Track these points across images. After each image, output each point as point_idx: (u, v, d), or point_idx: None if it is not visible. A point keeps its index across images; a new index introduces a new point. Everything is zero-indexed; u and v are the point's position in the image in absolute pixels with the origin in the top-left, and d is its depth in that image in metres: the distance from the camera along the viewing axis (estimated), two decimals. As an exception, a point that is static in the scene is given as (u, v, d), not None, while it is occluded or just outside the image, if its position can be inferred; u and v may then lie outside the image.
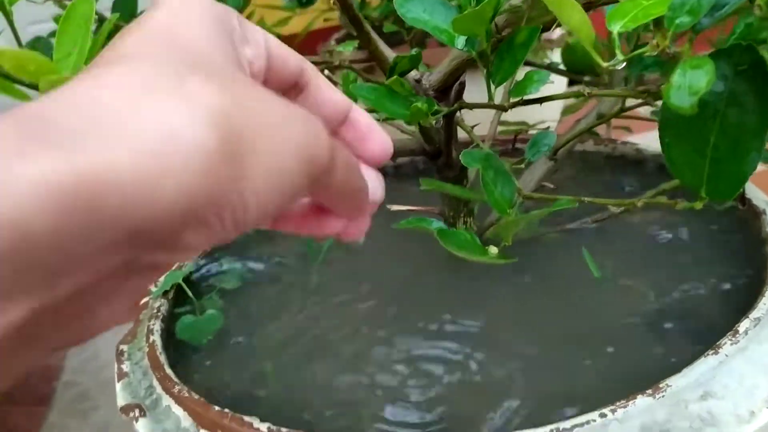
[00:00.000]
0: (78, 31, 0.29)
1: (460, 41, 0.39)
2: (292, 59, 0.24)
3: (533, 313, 0.49)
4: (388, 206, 0.56)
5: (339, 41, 1.40)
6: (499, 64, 0.39)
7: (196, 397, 0.43)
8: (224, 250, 0.62)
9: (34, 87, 0.29)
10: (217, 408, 0.41)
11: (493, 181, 0.37)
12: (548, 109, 0.60)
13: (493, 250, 0.38)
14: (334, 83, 0.51)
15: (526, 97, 0.39)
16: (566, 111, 0.91)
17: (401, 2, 0.38)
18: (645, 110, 0.64)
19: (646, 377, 0.37)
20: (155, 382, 0.46)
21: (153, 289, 0.59)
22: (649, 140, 0.61)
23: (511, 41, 0.38)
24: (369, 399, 0.44)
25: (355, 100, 0.30)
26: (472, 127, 0.51)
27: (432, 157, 0.52)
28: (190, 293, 0.56)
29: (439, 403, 0.43)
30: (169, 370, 0.46)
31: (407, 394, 0.44)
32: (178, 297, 0.56)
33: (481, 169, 0.38)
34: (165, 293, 0.55)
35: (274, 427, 0.39)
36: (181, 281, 0.56)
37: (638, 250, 0.55)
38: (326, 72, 0.55)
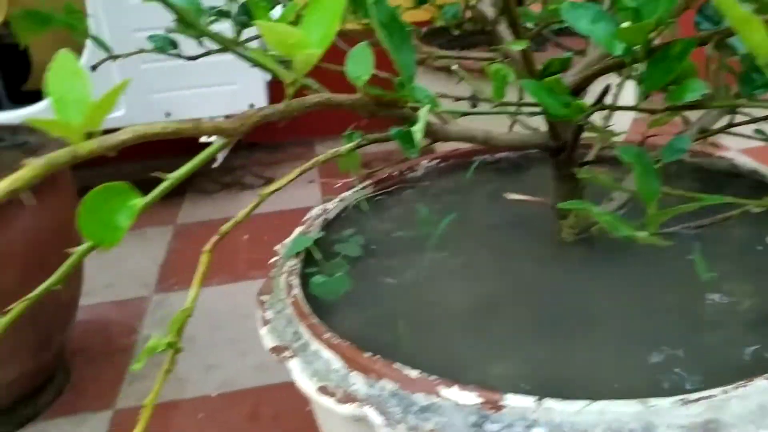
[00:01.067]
0: (327, 9, 0.34)
1: (619, 48, 0.44)
2: None
3: (635, 305, 0.54)
4: (505, 194, 0.61)
5: (427, 36, 1.45)
6: (651, 72, 0.44)
7: (347, 343, 0.48)
8: (344, 223, 0.68)
9: (285, 61, 0.34)
10: (366, 354, 0.47)
11: (642, 176, 0.42)
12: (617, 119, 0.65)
13: (643, 233, 0.42)
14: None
15: (679, 103, 0.43)
16: (654, 123, 0.95)
17: (570, 12, 0.43)
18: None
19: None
20: (302, 329, 0.52)
21: (280, 249, 0.65)
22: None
23: (666, 52, 0.43)
24: (489, 358, 0.49)
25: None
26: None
27: (554, 153, 0.57)
28: (318, 256, 0.61)
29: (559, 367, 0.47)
30: (316, 319, 0.51)
31: (533, 357, 0.48)
32: (306, 259, 0.62)
33: (634, 165, 0.42)
34: (297, 254, 0.61)
35: (424, 374, 0.44)
36: (313, 244, 0.62)
37: (738, 256, 0.59)
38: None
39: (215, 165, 1.74)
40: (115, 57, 0.74)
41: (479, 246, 0.63)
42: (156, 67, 1.60)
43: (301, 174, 0.47)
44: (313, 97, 0.39)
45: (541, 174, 0.75)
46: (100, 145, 0.27)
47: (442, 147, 0.75)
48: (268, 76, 1.68)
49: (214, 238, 0.46)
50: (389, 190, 0.74)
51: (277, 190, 0.46)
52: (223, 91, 1.66)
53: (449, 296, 0.56)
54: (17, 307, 0.34)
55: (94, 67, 0.74)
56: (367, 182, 0.73)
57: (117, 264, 1.50)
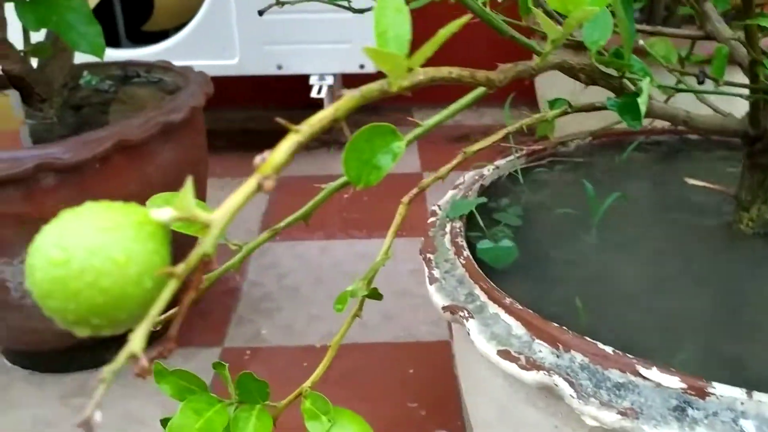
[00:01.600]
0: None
1: None
2: None
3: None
4: (685, 179, 0.59)
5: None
6: None
7: (530, 311, 0.48)
8: (500, 191, 0.67)
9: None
10: (556, 324, 0.46)
11: None
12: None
13: None
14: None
15: None
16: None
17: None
18: None
19: None
20: (478, 291, 0.52)
21: (437, 209, 0.65)
22: None
23: None
24: (671, 343, 0.48)
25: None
26: None
27: (751, 141, 0.54)
28: (481, 222, 0.61)
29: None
30: (492, 284, 0.51)
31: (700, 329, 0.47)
32: (468, 223, 0.61)
33: None
34: (460, 217, 0.61)
35: (619, 352, 0.43)
36: (474, 209, 0.61)
37: None
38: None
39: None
40: (282, 3, 0.74)
41: (647, 227, 0.61)
42: (273, 19, 1.61)
43: (505, 136, 0.46)
44: (555, 58, 0.38)
45: (699, 159, 0.72)
46: (410, 82, 0.27)
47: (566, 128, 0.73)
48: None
49: (414, 191, 0.47)
50: (541, 163, 0.73)
51: (480, 149, 0.46)
52: (335, 49, 1.66)
53: (621, 275, 0.55)
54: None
55: (261, 12, 0.75)
56: (520, 153, 0.71)
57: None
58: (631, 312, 0.52)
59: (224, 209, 0.22)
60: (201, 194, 1.09)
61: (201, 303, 1.21)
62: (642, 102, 0.41)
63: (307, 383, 0.47)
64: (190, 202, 0.21)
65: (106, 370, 0.19)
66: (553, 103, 0.48)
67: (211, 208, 0.23)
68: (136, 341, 0.20)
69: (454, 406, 0.97)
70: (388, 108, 2.15)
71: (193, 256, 0.21)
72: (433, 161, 1.71)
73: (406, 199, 0.46)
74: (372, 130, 0.32)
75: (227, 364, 0.46)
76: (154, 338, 0.79)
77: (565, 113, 0.47)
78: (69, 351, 1.03)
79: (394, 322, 1.15)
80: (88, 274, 0.20)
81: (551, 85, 1.41)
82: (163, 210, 0.21)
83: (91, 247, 0.20)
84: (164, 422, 0.45)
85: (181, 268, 0.21)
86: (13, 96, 1.06)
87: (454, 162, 0.46)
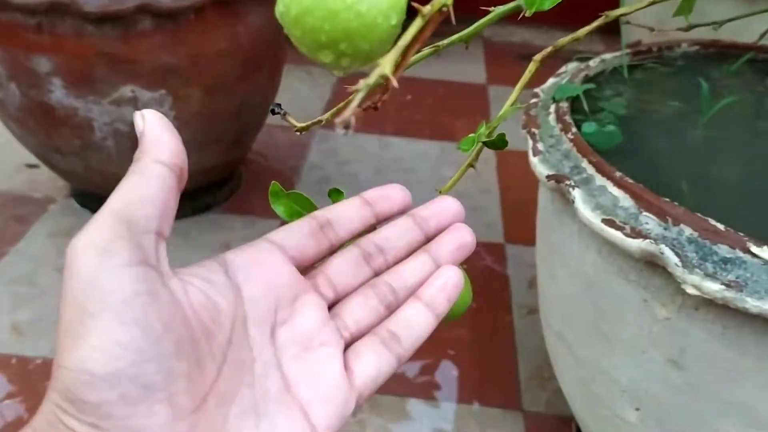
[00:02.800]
0: None
1: None
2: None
3: None
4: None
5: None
6: None
7: (640, 185, 0.49)
8: (605, 83, 0.67)
9: None
10: (667, 199, 0.47)
11: None
12: None
13: None
14: None
15: None
16: None
17: None
18: None
19: None
20: (585, 165, 0.52)
21: (540, 92, 0.65)
22: None
23: None
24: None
25: None
26: None
27: None
28: (586, 106, 0.61)
29: None
30: (601, 158, 0.52)
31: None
32: (572, 106, 0.61)
33: None
34: (566, 99, 0.61)
35: (729, 229, 0.44)
36: (581, 94, 0.61)
37: None
38: None
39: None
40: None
41: (757, 132, 0.61)
42: None
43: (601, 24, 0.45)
44: None
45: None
46: None
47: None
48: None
49: (548, 50, 0.46)
50: (646, 63, 0.72)
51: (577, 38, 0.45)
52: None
53: (729, 170, 0.55)
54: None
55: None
56: (627, 50, 0.70)
57: (283, 94, 1.55)
58: (737, 203, 0.52)
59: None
60: (279, 67, 1.10)
61: (261, 178, 1.24)
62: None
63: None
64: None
65: (362, 83, 0.21)
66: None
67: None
68: (387, 64, 0.21)
69: (504, 300, 1.00)
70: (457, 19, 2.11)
71: (435, 4, 0.22)
72: (499, 74, 1.69)
73: (539, 56, 0.46)
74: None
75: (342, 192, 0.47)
76: (210, 206, 0.80)
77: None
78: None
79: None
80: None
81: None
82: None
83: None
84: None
85: (426, 9, 0.22)
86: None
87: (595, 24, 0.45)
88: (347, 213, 0.31)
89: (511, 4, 0.35)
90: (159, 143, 0.24)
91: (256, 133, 1.14)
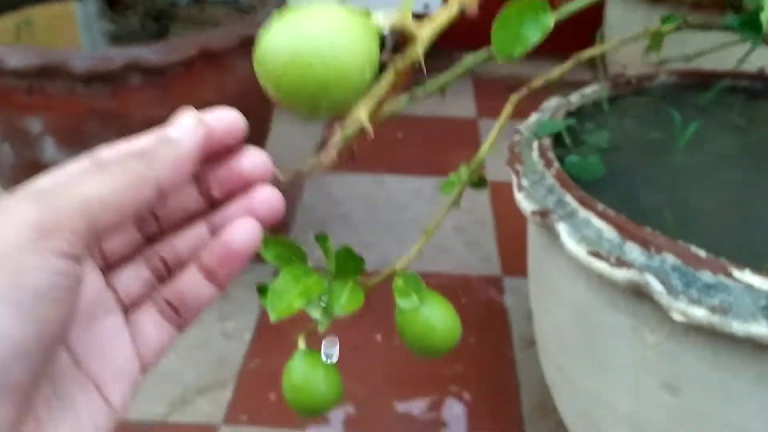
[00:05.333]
0: None
1: None
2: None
3: None
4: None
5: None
6: None
7: (623, 216, 0.50)
8: (586, 117, 0.68)
9: None
10: (649, 228, 0.48)
11: None
12: None
13: None
14: None
15: None
16: None
17: None
18: None
19: None
20: (569, 199, 0.53)
21: (522, 130, 0.66)
22: None
23: None
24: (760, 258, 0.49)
25: None
26: None
27: None
28: (568, 141, 0.62)
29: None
30: (583, 192, 0.53)
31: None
32: (555, 140, 0.63)
33: None
34: (545, 137, 0.62)
35: (711, 255, 0.45)
36: (562, 130, 0.63)
37: None
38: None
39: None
40: None
41: (733, 159, 0.62)
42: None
43: (576, 63, 0.47)
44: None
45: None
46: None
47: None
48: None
49: (524, 91, 0.48)
50: (625, 95, 0.73)
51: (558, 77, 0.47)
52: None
53: (708, 196, 0.57)
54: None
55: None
56: (605, 84, 0.72)
57: (273, 139, 1.57)
58: (718, 228, 0.53)
59: (430, 26, 0.24)
60: (268, 114, 1.12)
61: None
62: (764, 18, 0.42)
63: (401, 263, 0.49)
64: (408, 15, 0.23)
65: (339, 132, 0.22)
66: (666, 19, 0.49)
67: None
68: (362, 111, 0.22)
69: (505, 333, 1.00)
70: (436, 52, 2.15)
71: (406, 57, 0.23)
72: (489, 108, 1.71)
73: (515, 97, 0.48)
74: (523, 4, 0.34)
75: (330, 236, 0.48)
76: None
77: (678, 28, 0.48)
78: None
79: (448, 255, 1.18)
80: (327, 52, 0.22)
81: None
82: (386, 16, 0.23)
83: (330, 36, 0.22)
84: (260, 288, 0.48)
85: (399, 63, 0.23)
86: (79, 7, 1.09)
87: (563, 68, 0.47)
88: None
89: (481, 54, 0.37)
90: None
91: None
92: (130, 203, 0.22)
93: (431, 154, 1.52)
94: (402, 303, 0.47)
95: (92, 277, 0.25)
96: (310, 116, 0.24)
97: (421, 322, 0.46)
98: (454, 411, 0.87)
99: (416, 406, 0.87)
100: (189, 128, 0.25)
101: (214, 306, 1.11)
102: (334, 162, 0.22)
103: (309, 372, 0.43)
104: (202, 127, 0.25)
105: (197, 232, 0.27)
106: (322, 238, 0.50)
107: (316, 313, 0.46)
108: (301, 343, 0.44)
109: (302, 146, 1.57)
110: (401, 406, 0.88)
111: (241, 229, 0.26)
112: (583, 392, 0.59)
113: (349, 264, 0.49)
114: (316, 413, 0.43)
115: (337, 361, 0.44)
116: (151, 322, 0.26)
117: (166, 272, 0.27)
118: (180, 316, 0.27)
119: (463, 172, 0.45)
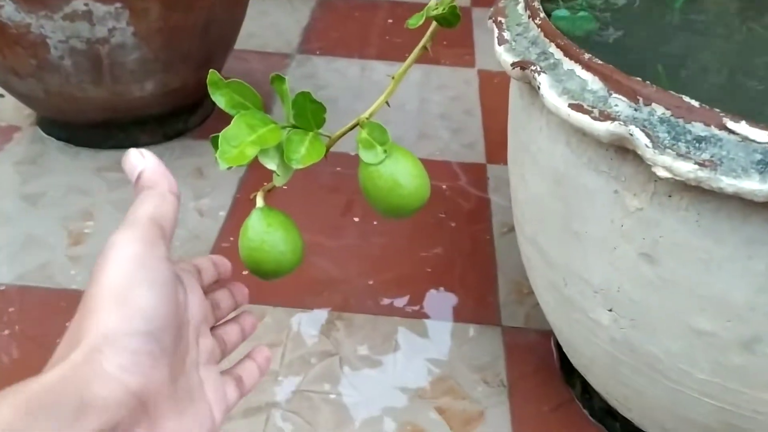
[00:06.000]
0: None
1: None
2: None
3: None
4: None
5: None
6: None
7: (610, 66, 0.45)
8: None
9: None
10: (638, 78, 0.43)
11: None
12: None
13: None
14: None
15: None
16: None
17: None
18: None
19: None
20: (552, 50, 0.48)
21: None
22: None
23: None
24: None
25: None
26: None
27: None
28: (558, -6, 0.56)
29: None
30: (569, 41, 0.48)
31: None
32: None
33: None
34: (533, -12, 0.56)
35: (705, 105, 0.41)
36: (553, -20, 0.57)
37: None
38: None
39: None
40: None
41: (734, 20, 0.56)
42: None
43: None
44: None
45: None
46: None
47: None
48: None
49: None
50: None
51: None
52: None
53: (704, 54, 0.52)
54: None
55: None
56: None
57: (260, 18, 1.48)
58: (713, 84, 0.48)
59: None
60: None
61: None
62: None
63: (365, 114, 0.45)
64: None
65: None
66: None
67: None
68: None
69: (484, 219, 0.97)
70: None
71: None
72: (485, -4, 1.62)
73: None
74: None
75: (287, 78, 0.43)
76: (182, 131, 0.76)
77: None
78: (104, 127, 1.03)
79: (431, 140, 1.13)
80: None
81: None
82: None
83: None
84: (214, 140, 0.44)
85: None
86: None
87: None
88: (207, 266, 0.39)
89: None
90: (166, 177, 0.32)
91: (226, 53, 1.09)
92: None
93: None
94: (365, 156, 0.42)
95: (209, 332, 0.35)
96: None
97: (385, 177, 0.41)
98: (427, 291, 0.85)
99: (388, 286, 0.85)
100: (140, 157, 0.32)
101: (189, 184, 1.08)
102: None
103: (267, 231, 0.39)
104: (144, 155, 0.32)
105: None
106: (278, 80, 0.45)
107: (272, 165, 0.42)
108: (260, 200, 0.40)
109: (289, 27, 1.49)
110: (377, 285, 0.86)
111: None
112: (556, 265, 0.56)
113: (307, 110, 0.44)
114: (274, 275, 0.39)
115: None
116: (231, 387, 0.36)
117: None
118: (244, 387, 0.37)
119: (433, 3, 0.40)
